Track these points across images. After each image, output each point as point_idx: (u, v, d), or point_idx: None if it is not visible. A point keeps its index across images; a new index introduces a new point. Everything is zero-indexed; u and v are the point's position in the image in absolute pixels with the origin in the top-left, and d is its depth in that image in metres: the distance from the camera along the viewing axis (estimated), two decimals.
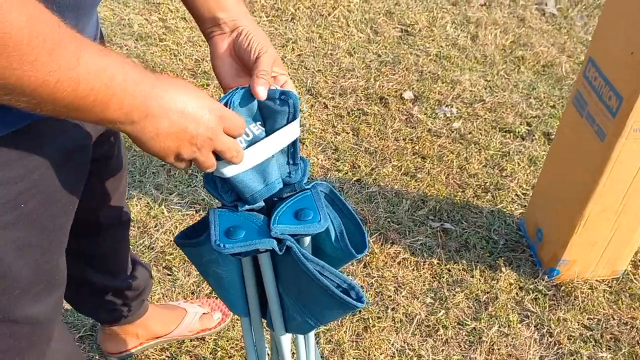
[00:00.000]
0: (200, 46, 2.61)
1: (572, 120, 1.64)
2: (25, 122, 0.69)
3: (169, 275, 1.69)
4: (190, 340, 1.52)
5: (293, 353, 1.00)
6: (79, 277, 1.19)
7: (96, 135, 0.89)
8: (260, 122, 0.79)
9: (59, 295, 0.90)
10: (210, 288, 1.66)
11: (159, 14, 2.78)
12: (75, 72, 0.56)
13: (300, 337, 1.03)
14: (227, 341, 1.53)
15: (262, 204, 0.83)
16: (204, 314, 1.53)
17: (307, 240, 0.86)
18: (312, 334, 1.04)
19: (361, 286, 1.72)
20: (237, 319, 1.59)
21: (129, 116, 0.63)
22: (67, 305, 1.56)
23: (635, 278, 1.81)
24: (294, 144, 0.82)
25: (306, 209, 0.80)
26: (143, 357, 1.48)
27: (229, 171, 0.76)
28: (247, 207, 0.81)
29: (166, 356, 1.49)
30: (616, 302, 1.74)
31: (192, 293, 1.65)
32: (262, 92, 0.75)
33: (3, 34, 0.50)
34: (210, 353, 1.50)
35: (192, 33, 2.68)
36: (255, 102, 0.77)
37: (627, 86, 1.40)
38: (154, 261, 1.72)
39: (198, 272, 1.58)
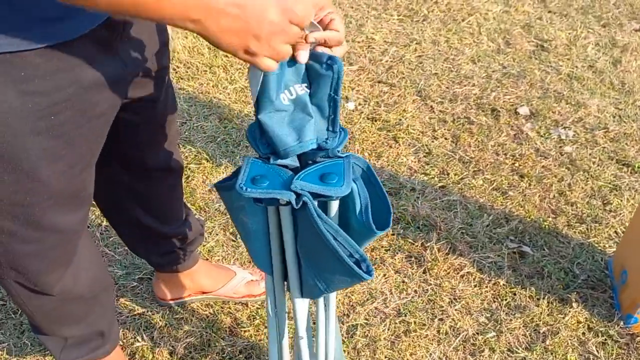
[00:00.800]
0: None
1: None
2: (65, 38, 0.77)
3: (233, 241, 1.78)
4: (235, 304, 1.59)
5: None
6: (130, 216, 1.30)
7: (135, 73, 0.96)
8: (306, 84, 0.83)
9: (84, 211, 0.99)
10: None
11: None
12: None
13: (321, 308, 1.04)
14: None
15: (296, 163, 0.86)
16: (251, 280, 1.59)
17: (334, 208, 0.87)
18: (333, 311, 1.04)
19: (415, 290, 1.68)
20: None
21: (186, 14, 0.66)
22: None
23: None
24: (334, 111, 0.84)
25: (332, 173, 0.82)
26: (189, 309, 1.58)
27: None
28: (280, 161, 0.84)
29: (209, 312, 1.57)
30: None
31: (250, 262, 1.72)
32: (302, 56, 0.77)
33: None
34: (248, 318, 1.56)
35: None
36: (303, 64, 0.80)
37: None
38: (223, 226, 1.82)
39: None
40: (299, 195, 0.80)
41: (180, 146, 2.11)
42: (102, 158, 0.99)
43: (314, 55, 0.80)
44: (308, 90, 0.82)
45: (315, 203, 0.81)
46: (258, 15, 0.68)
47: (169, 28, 1.07)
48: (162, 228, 1.35)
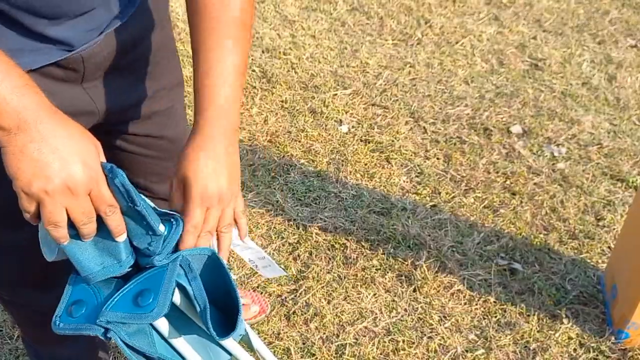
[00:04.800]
0: (319, 62, 2.74)
1: None
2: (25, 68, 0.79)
3: None
4: None
5: None
6: None
7: (104, 106, 0.97)
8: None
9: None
10: (257, 282, 1.74)
11: (291, 30, 2.96)
12: None
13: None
14: (259, 333, 1.60)
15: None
16: (243, 304, 1.61)
17: (163, 328, 0.77)
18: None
19: (404, 309, 1.69)
20: (273, 315, 1.65)
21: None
22: None
23: None
24: (143, 216, 0.73)
25: (148, 290, 0.72)
26: None
27: (69, 248, 0.70)
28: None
29: None
30: None
31: (241, 284, 1.74)
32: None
33: None
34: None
35: (316, 50, 2.82)
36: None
37: None
38: None
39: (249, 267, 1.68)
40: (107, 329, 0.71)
41: None
42: None
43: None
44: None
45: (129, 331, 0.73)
46: (66, 163, 0.64)
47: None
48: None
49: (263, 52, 2.80)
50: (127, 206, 0.72)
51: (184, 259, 0.76)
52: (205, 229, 0.79)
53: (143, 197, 0.75)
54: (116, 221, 0.71)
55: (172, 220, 0.77)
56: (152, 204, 0.78)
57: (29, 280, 1.04)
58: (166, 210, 0.78)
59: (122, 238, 0.73)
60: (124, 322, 0.71)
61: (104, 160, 0.71)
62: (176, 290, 0.76)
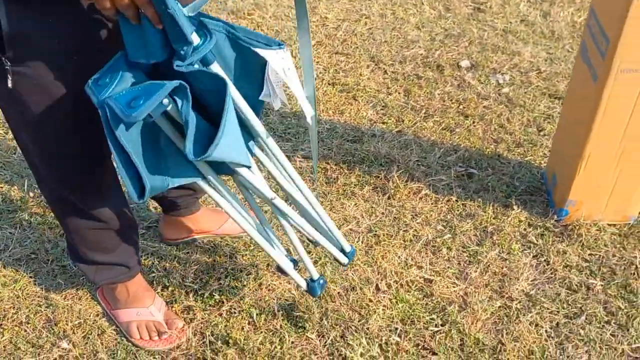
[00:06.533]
0: (282, 19, 2.99)
1: (578, 67, 1.79)
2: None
3: None
4: (232, 238, 1.88)
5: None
6: None
7: None
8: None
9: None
10: None
11: None
12: None
13: (271, 166, 1.27)
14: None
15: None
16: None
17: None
18: (282, 158, 1.27)
19: (382, 213, 1.98)
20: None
21: None
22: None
23: None
24: (175, 22, 0.90)
25: (140, 97, 0.95)
26: (193, 245, 1.86)
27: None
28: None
29: (211, 246, 1.86)
30: (621, 243, 1.86)
31: None
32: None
33: None
34: (244, 245, 1.85)
35: (277, 9, 3.07)
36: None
37: (613, 30, 1.55)
38: None
39: None
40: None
41: None
42: None
43: None
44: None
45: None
46: None
47: None
48: None
49: (228, 14, 3.03)
50: (162, 9, 0.89)
51: (192, 74, 0.96)
52: None
53: (181, 7, 0.90)
54: (151, 14, 0.91)
55: (207, 33, 0.96)
56: (190, 14, 0.93)
57: (90, 183, 1.30)
58: (207, 21, 0.99)
59: (159, 26, 0.92)
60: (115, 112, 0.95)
61: None
62: (167, 101, 0.98)
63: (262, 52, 1.03)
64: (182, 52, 0.94)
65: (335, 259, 1.48)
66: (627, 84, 1.60)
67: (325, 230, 1.42)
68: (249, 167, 1.18)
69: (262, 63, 1.05)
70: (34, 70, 1.05)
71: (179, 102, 0.99)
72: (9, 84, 1.05)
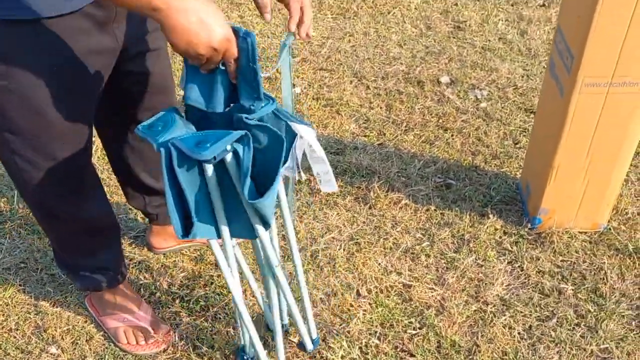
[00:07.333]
0: (268, 37, 3.08)
1: (547, 82, 1.89)
2: (62, 12, 1.09)
3: None
4: None
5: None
6: (128, 172, 1.64)
7: (122, 44, 1.28)
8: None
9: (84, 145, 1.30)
10: None
11: (239, 12, 3.29)
12: None
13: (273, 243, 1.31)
14: (245, 249, 1.93)
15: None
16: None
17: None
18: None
19: (363, 222, 2.05)
20: None
21: (152, 3, 0.87)
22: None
23: (617, 232, 1.98)
24: (256, 74, 0.95)
25: (205, 142, 0.95)
26: (180, 254, 1.92)
27: None
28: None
29: (197, 254, 1.92)
30: (592, 250, 1.93)
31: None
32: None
33: None
34: None
35: (264, 27, 3.16)
36: None
37: (577, 46, 1.65)
38: None
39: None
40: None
41: None
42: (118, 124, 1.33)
43: (233, 30, 0.95)
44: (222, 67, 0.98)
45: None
46: (209, 29, 0.89)
47: None
48: (156, 184, 1.69)
49: None
50: (246, 64, 0.94)
51: (258, 127, 1.00)
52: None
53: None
54: (233, 68, 0.97)
55: (267, 95, 1.02)
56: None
57: (71, 188, 1.35)
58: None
59: (234, 81, 0.99)
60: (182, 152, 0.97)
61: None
62: (230, 153, 0.99)
63: (297, 126, 1.09)
64: (251, 107, 1.00)
65: (301, 343, 1.50)
66: (591, 97, 1.69)
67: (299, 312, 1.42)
68: (269, 227, 1.19)
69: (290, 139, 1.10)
70: (15, 84, 1.11)
71: (240, 151, 1.00)
72: None
